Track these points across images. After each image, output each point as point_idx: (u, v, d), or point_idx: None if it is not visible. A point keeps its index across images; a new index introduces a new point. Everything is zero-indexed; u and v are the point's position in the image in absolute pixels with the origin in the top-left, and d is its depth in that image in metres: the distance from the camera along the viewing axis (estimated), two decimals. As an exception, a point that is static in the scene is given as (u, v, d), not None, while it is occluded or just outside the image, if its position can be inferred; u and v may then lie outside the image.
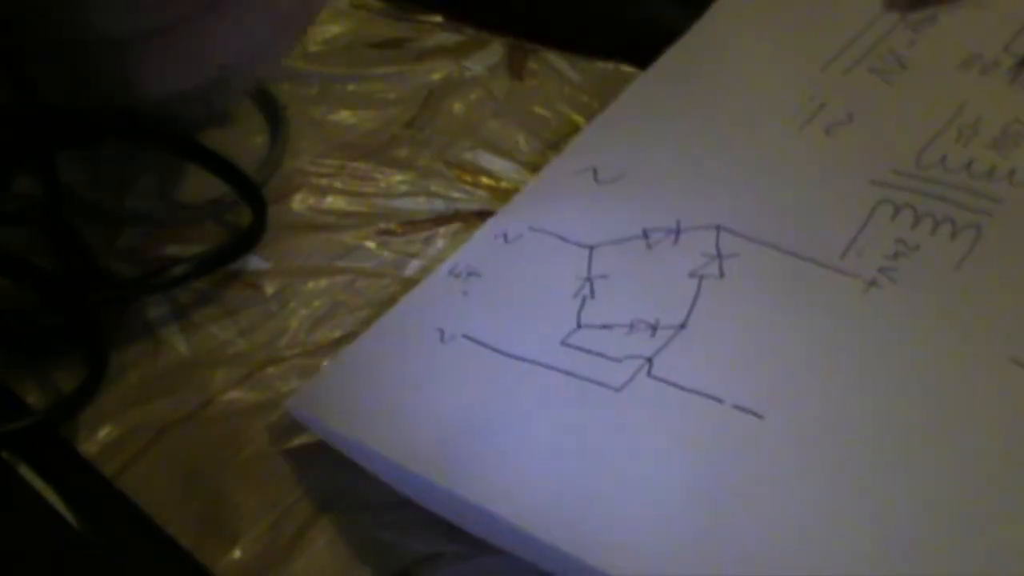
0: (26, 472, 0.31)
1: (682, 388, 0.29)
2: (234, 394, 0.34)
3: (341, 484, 0.32)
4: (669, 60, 0.41)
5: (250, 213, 0.36)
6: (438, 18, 0.47)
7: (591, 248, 0.34)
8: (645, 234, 0.34)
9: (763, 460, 0.27)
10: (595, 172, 0.37)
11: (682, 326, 0.31)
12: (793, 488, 0.27)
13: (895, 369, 0.29)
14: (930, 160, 0.34)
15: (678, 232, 0.34)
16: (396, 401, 0.31)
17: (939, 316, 0.30)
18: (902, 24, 0.40)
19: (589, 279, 0.33)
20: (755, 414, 0.28)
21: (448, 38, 0.46)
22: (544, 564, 0.28)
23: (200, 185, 0.39)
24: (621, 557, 0.26)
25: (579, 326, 0.32)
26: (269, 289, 0.37)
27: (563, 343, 0.31)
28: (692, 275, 0.32)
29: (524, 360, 0.31)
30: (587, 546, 0.26)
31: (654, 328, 0.31)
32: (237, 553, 0.30)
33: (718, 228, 0.34)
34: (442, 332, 0.33)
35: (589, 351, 0.31)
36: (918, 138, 0.35)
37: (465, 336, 0.32)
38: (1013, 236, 0.31)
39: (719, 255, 0.33)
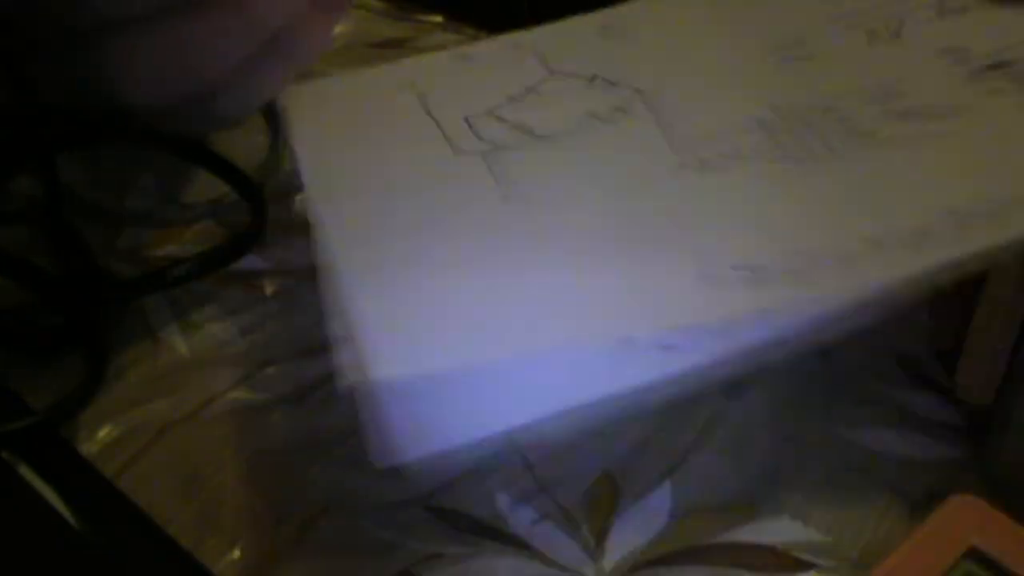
0: (26, 472, 0.31)
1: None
2: (234, 394, 0.34)
3: (341, 484, 0.32)
4: None
5: (250, 213, 0.36)
6: (438, 18, 0.47)
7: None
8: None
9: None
10: None
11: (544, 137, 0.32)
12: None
13: None
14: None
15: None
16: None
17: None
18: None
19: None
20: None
21: (448, 38, 0.46)
22: None
23: (200, 185, 0.39)
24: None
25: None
26: (269, 289, 0.37)
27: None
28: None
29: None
30: None
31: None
32: (237, 553, 0.30)
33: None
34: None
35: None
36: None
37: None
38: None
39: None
